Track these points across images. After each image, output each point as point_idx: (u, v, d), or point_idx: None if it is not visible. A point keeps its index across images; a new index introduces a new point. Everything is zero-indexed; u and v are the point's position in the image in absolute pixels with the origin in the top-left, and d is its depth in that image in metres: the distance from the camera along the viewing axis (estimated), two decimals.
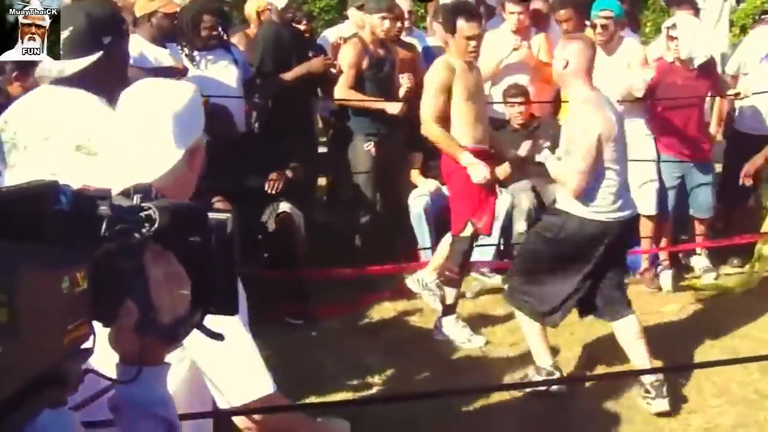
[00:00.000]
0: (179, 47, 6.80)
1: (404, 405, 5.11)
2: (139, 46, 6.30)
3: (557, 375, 5.59)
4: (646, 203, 7.19)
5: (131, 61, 6.06)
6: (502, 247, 7.61)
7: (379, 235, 7.50)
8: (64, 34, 3.34)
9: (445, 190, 7.27)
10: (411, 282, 6.77)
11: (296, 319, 6.53)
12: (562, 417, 5.38)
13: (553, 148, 5.63)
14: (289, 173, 6.76)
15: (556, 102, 7.91)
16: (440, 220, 7.40)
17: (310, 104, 7.96)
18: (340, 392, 5.51)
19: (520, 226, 7.48)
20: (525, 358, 5.89)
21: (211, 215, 1.46)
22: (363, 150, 7.33)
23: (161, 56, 6.51)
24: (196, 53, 6.84)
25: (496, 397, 5.45)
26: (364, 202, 7.49)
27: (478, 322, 6.61)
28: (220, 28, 7.03)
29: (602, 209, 5.31)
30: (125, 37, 3.63)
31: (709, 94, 7.63)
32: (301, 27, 7.78)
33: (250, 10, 8.13)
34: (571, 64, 5.35)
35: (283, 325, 6.38)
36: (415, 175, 7.72)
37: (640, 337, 5.42)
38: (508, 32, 7.84)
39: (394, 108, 7.26)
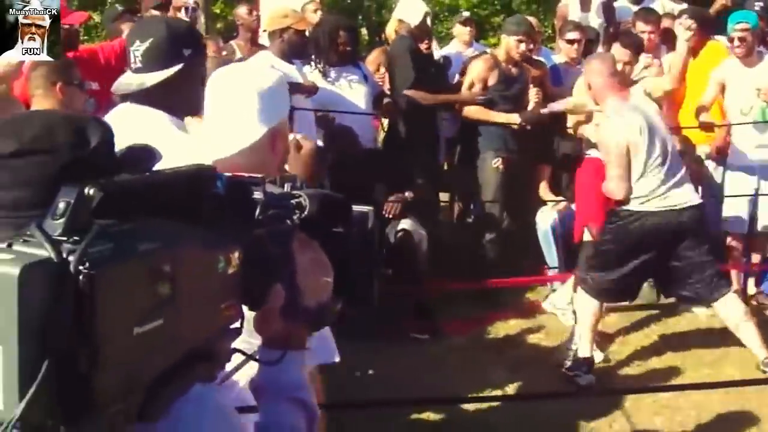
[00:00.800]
0: (313, 62, 6.91)
1: None
2: (269, 61, 6.44)
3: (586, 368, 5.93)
4: None
5: None
6: None
7: (506, 252, 7.46)
8: (144, 46, 3.23)
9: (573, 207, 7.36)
10: (547, 305, 6.90)
11: (422, 335, 6.53)
12: None
13: None
14: (408, 195, 6.79)
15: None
16: (568, 237, 7.37)
17: (435, 121, 8.00)
18: (464, 406, 5.50)
19: None
20: (650, 376, 6.03)
21: (355, 208, 1.49)
22: (491, 166, 7.32)
23: (291, 72, 6.59)
24: (330, 68, 6.94)
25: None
26: (491, 218, 7.46)
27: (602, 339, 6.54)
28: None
29: (650, 201, 5.77)
30: (203, 51, 3.58)
31: None
32: (424, 45, 7.86)
33: (390, 30, 8.20)
34: (593, 84, 5.97)
35: (409, 341, 6.39)
36: (543, 190, 7.68)
37: (747, 319, 5.76)
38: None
39: (518, 118, 7.29)
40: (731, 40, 7.22)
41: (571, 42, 8.11)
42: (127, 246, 1.00)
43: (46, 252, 0.93)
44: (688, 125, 7.65)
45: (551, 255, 7.40)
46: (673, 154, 5.93)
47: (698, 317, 6.89)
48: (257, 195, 1.31)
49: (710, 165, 7.63)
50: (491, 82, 7.36)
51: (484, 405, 5.53)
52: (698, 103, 7.48)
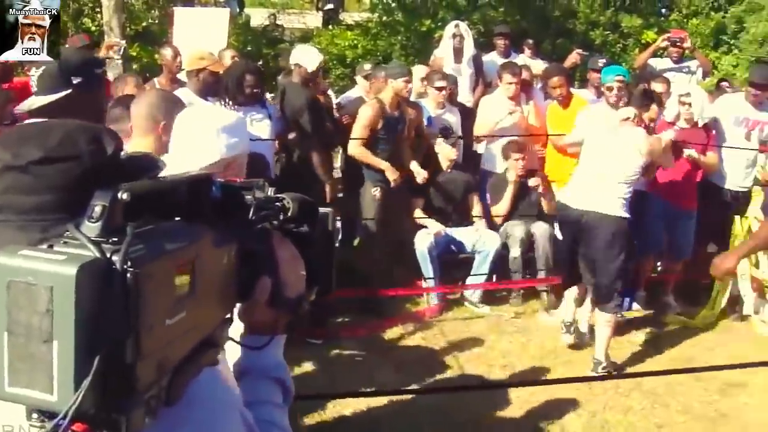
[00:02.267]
0: (223, 102, 6.82)
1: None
2: (187, 96, 6.35)
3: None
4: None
5: None
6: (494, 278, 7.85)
7: (387, 267, 7.47)
8: (37, 74, 3.39)
9: (449, 232, 7.60)
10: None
11: (316, 340, 6.50)
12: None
13: None
14: None
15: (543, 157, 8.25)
16: (442, 257, 7.55)
17: (330, 155, 7.99)
18: (353, 404, 5.46)
19: (515, 251, 7.70)
20: (514, 374, 6.16)
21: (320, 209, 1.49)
22: (371, 195, 7.33)
23: None
24: (238, 108, 6.86)
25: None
26: (372, 239, 7.47)
27: (472, 344, 6.68)
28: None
29: (570, 196, 6.31)
30: (98, 79, 3.64)
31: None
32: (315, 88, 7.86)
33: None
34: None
35: (305, 345, 6.34)
36: (419, 215, 7.73)
37: (608, 327, 6.12)
38: (504, 98, 7.95)
39: (392, 175, 7.25)
40: (609, 88, 7.29)
41: (439, 89, 8.14)
42: (157, 245, 0.98)
43: (90, 252, 0.90)
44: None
45: (427, 270, 7.47)
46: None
47: (554, 325, 7.08)
48: (249, 198, 1.29)
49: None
50: (379, 126, 7.30)
51: (373, 401, 5.52)
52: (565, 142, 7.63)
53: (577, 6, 15.52)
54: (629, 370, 6.21)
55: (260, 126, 6.95)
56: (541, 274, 7.66)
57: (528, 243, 7.72)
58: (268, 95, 8.07)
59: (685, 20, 16.16)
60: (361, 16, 16.54)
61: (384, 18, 14.94)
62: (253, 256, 1.28)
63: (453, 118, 8.28)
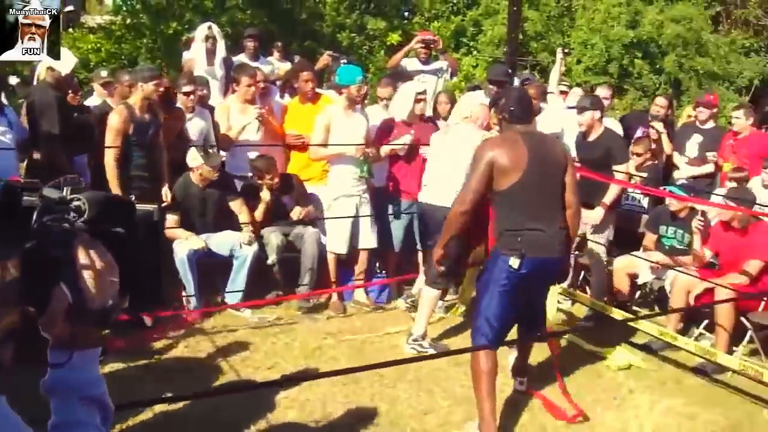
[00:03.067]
0: None
1: None
2: None
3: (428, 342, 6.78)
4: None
5: None
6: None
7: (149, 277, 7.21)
8: None
9: (204, 237, 7.54)
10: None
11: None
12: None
13: None
14: None
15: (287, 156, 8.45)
16: (202, 265, 7.47)
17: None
18: (120, 421, 5.24)
19: (272, 258, 7.78)
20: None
21: (139, 207, 1.40)
22: None
23: None
24: None
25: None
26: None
27: (237, 348, 6.68)
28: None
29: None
30: None
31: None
32: (71, 95, 7.55)
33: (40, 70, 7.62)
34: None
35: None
36: (175, 232, 7.55)
37: (430, 305, 6.77)
38: (241, 102, 7.96)
39: (146, 207, 7.02)
40: (358, 89, 7.61)
41: (186, 94, 7.96)
42: None
43: None
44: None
45: (187, 279, 7.36)
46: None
47: (316, 325, 7.19)
48: (33, 200, 1.21)
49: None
50: (130, 131, 7.08)
51: (141, 416, 5.32)
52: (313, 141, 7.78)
53: (324, 9, 15.79)
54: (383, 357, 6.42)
55: (0, 134, 6.61)
56: (306, 279, 7.77)
57: (283, 248, 7.80)
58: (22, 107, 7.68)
59: (427, 23, 16.85)
60: (104, 18, 15.98)
61: (129, 20, 14.51)
62: (48, 263, 1.19)
63: (203, 123, 8.13)
